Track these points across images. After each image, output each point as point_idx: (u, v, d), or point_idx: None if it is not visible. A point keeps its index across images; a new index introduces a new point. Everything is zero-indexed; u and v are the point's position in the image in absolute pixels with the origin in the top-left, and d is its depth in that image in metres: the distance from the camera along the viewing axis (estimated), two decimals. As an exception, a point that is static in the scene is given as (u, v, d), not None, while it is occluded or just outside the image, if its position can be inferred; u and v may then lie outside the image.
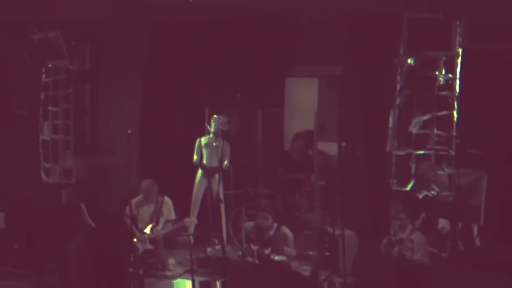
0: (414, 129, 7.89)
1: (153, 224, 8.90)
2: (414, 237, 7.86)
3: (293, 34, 10.34)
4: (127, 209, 8.90)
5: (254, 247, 8.55)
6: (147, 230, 8.87)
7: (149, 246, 8.76)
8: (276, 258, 8.43)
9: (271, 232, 8.76)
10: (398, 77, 7.99)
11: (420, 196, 7.95)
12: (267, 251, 8.46)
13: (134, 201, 8.99)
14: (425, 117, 7.86)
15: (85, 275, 7.02)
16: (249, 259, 8.48)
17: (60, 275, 7.73)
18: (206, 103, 10.54)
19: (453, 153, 7.84)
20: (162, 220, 8.96)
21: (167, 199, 9.09)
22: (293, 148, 10.39)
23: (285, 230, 8.86)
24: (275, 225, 8.83)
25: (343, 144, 9.45)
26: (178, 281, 8.38)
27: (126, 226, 8.85)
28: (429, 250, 8.09)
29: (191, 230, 9.31)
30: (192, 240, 8.64)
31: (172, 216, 9.08)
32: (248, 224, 8.99)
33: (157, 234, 8.81)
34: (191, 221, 9.06)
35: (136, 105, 11.03)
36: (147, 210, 9.01)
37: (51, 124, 9.77)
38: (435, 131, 7.86)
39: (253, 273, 8.19)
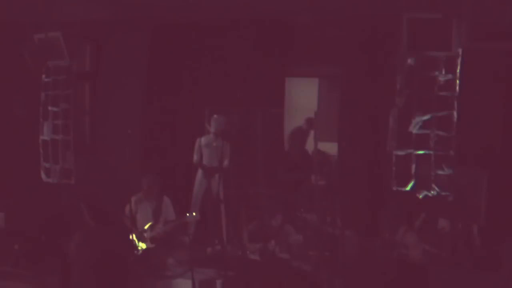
0: (414, 129, 7.90)
1: (153, 222, 8.90)
2: (407, 238, 7.86)
3: (293, 34, 10.34)
4: (127, 208, 8.91)
5: (256, 245, 8.55)
6: (146, 227, 8.86)
7: (150, 245, 8.76)
8: (279, 255, 8.42)
9: (276, 224, 8.71)
10: (398, 77, 7.99)
11: (420, 196, 7.95)
12: (271, 245, 8.43)
13: (134, 198, 9.00)
14: (425, 117, 7.86)
15: (85, 275, 7.02)
16: (251, 256, 8.48)
17: (60, 275, 7.73)
18: (206, 103, 10.55)
19: (453, 153, 7.84)
20: (161, 218, 8.96)
21: (166, 199, 9.09)
22: (290, 147, 10.41)
23: (289, 227, 8.86)
24: (279, 220, 8.81)
25: (343, 144, 9.47)
26: (178, 281, 8.38)
27: (125, 225, 8.86)
28: (426, 249, 8.09)
29: (192, 228, 9.32)
30: (190, 239, 8.62)
31: (171, 215, 9.08)
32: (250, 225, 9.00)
33: (158, 232, 8.80)
34: (193, 217, 9.03)
35: (136, 105, 11.02)
36: (146, 208, 9.01)
37: (51, 124, 9.79)
38: (435, 131, 7.86)
39: (254, 272, 8.19)
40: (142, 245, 8.74)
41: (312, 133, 10.90)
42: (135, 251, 8.70)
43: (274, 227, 8.70)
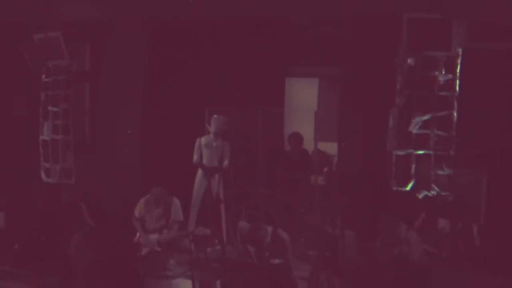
0: (414, 129, 7.90)
1: (162, 225, 8.90)
2: (409, 237, 7.86)
3: (293, 34, 10.34)
4: (136, 210, 8.92)
5: (251, 249, 8.52)
6: (152, 225, 8.84)
7: (157, 248, 8.76)
8: (275, 261, 8.39)
9: (268, 239, 8.70)
10: (398, 77, 8.00)
11: (420, 196, 7.95)
12: (266, 255, 8.41)
13: (143, 200, 8.99)
14: (425, 117, 7.86)
15: (85, 275, 7.01)
16: (248, 260, 8.45)
17: (60, 275, 7.73)
18: (206, 103, 10.54)
19: (453, 153, 7.84)
20: (171, 221, 8.96)
21: (175, 201, 9.06)
22: (291, 147, 10.40)
23: (281, 233, 8.82)
24: (270, 229, 8.75)
25: (343, 144, 9.47)
26: (178, 281, 8.38)
27: (128, 225, 8.86)
28: (425, 249, 8.09)
29: (192, 229, 9.32)
30: (190, 240, 8.63)
31: (180, 217, 9.07)
32: (244, 225, 8.95)
33: (165, 238, 8.81)
34: (204, 231, 9.06)
35: (136, 105, 11.02)
36: (155, 211, 9.00)
37: (51, 124, 9.78)
38: (435, 131, 7.87)
39: (252, 274, 8.17)
40: (148, 247, 8.73)
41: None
42: (138, 252, 8.71)
43: (267, 240, 8.65)
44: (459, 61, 7.79)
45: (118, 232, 8.52)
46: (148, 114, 11.03)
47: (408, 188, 7.97)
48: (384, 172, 8.47)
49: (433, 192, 7.90)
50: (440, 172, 7.89)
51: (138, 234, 8.90)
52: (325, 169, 10.05)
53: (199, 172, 9.74)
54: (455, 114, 7.82)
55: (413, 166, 7.95)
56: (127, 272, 7.56)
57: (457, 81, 7.81)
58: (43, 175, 9.87)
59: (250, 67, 10.49)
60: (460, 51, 7.77)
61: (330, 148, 10.30)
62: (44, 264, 8.17)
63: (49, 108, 9.80)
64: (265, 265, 8.25)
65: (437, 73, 7.85)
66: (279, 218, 9.18)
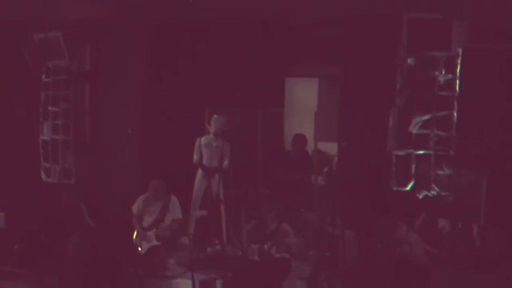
0: (414, 129, 7.91)
1: (159, 219, 8.90)
2: (409, 238, 7.87)
3: (293, 34, 10.35)
4: (134, 207, 8.92)
5: (254, 246, 8.54)
6: (149, 221, 8.85)
7: (155, 242, 8.75)
8: (277, 255, 8.40)
9: (273, 226, 8.72)
10: (398, 77, 8.00)
11: (420, 196, 7.96)
12: (268, 245, 8.42)
13: (141, 198, 8.99)
14: (425, 117, 7.87)
15: (83, 274, 7.02)
16: (250, 257, 8.46)
17: (60, 275, 7.74)
18: (206, 103, 10.54)
19: (453, 153, 7.85)
20: (168, 216, 8.96)
21: (174, 198, 9.07)
22: (294, 148, 10.39)
23: (286, 226, 8.85)
24: (275, 222, 8.80)
25: (343, 144, 9.48)
26: (178, 281, 8.38)
27: (127, 225, 8.86)
28: (426, 249, 8.10)
29: (192, 229, 9.32)
30: (190, 240, 8.63)
31: (179, 215, 9.06)
32: (248, 226, 8.98)
33: (164, 229, 8.80)
34: (201, 213, 9.05)
35: (136, 105, 11.02)
36: (154, 207, 9.00)
37: (51, 124, 9.80)
38: (435, 131, 7.87)
39: (253, 271, 8.18)
40: (148, 244, 8.73)
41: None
42: (138, 250, 8.71)
43: (271, 228, 8.69)
44: (459, 61, 7.79)
45: (117, 232, 8.53)
46: (148, 114, 11.03)
47: (408, 188, 7.98)
48: (384, 172, 8.48)
49: (433, 192, 7.91)
50: (440, 172, 7.90)
51: (136, 233, 8.89)
52: (325, 169, 10.05)
53: (199, 172, 9.74)
54: (455, 114, 7.83)
55: (413, 166, 7.96)
56: (125, 272, 7.57)
57: (457, 81, 7.82)
58: (43, 175, 9.88)
59: (250, 67, 10.49)
60: (460, 51, 7.78)
61: (330, 148, 10.30)
62: (44, 264, 8.18)
63: (49, 108, 9.81)
64: (266, 260, 8.26)
65: (437, 73, 7.86)
66: (279, 217, 9.18)
